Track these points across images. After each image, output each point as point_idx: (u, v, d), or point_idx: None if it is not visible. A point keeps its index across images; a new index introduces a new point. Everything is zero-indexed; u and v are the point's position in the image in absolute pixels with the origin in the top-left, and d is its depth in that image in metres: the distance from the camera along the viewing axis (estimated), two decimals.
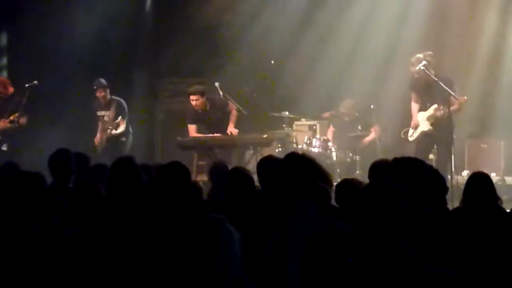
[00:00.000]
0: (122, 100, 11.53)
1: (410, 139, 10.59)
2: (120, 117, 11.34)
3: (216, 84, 10.94)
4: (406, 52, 11.77)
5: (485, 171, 6.41)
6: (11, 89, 11.63)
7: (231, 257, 3.32)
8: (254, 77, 11.97)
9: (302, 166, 4.71)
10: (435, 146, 10.60)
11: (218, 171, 6.74)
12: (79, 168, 6.57)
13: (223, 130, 10.96)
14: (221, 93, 10.91)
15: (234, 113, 11.07)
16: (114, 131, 11.31)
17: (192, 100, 10.87)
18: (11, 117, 11.23)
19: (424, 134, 10.35)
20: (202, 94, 10.90)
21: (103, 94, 11.55)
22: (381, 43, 12.69)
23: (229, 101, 11.04)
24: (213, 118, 11.02)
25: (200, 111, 10.98)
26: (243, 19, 12.72)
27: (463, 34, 12.37)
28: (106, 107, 11.58)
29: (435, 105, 10.18)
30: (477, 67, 12.17)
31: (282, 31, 12.98)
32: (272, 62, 11.31)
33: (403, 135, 10.77)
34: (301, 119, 12.93)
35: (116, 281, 4.03)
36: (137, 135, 11.92)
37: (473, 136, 12.52)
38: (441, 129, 10.18)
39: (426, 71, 10.03)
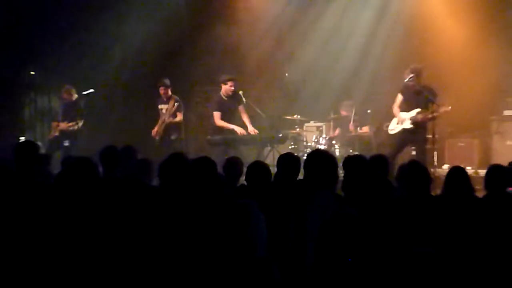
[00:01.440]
0: (178, 98, 11.67)
1: (391, 132, 10.67)
2: (178, 110, 11.51)
3: (240, 92, 10.89)
4: (396, 63, 11.92)
5: (462, 165, 6.46)
6: (75, 96, 11.82)
7: (260, 235, 3.36)
8: (273, 87, 12.02)
9: (324, 160, 4.68)
10: (411, 144, 10.65)
11: (231, 165, 6.52)
12: (126, 161, 6.48)
13: (236, 118, 10.96)
14: (244, 100, 10.93)
15: (246, 114, 11.01)
16: (172, 119, 11.47)
17: (231, 86, 10.83)
18: (72, 123, 11.47)
19: (404, 130, 10.40)
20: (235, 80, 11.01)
21: (164, 91, 11.70)
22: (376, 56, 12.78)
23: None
24: (231, 108, 10.97)
25: (224, 99, 10.91)
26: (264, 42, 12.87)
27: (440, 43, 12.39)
28: (166, 101, 11.69)
29: (418, 109, 10.26)
30: (455, 76, 12.18)
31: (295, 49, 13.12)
32: (286, 74, 11.34)
33: (385, 127, 10.85)
34: (310, 121, 12.96)
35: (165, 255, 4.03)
36: None
37: (452, 136, 12.58)
38: (419, 130, 10.29)
39: (413, 82, 10.13)
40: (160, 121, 11.66)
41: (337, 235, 3.06)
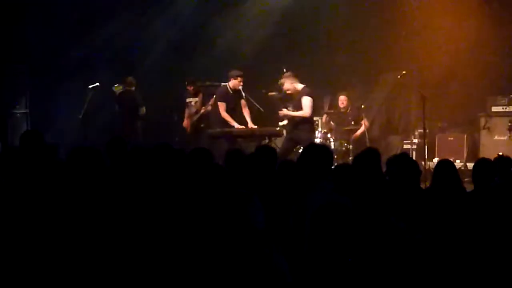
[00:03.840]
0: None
1: None
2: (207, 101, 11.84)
3: (240, 87, 11.03)
4: (390, 61, 12.01)
5: (451, 159, 6.53)
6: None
7: (258, 222, 3.38)
8: (269, 81, 12.05)
9: (321, 153, 4.72)
10: None
11: (232, 157, 6.39)
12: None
13: (237, 112, 11.04)
14: (243, 94, 11.01)
15: (247, 110, 11.11)
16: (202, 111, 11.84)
17: (240, 81, 10.88)
18: None
19: None
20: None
21: (191, 87, 12.12)
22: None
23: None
24: (235, 101, 11.02)
25: (230, 92, 10.94)
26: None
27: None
28: (194, 95, 12.11)
29: None
30: (447, 74, 12.27)
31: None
32: (284, 70, 11.37)
33: None
34: None
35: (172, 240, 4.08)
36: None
37: (442, 130, 12.70)
38: None
39: None
40: (187, 113, 12.12)
41: (326, 223, 3.11)
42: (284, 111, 10.62)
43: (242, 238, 3.29)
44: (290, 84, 10.54)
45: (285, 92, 10.77)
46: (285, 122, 10.92)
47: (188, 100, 12.23)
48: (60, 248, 4.01)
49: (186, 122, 12.18)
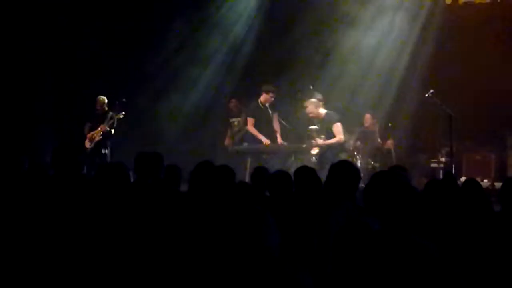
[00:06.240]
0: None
1: None
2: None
3: (270, 88, 11.03)
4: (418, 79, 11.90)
5: (479, 178, 6.40)
6: (105, 107, 11.77)
7: (272, 239, 3.24)
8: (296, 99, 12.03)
9: (347, 171, 4.64)
10: None
11: (258, 174, 6.35)
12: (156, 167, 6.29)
13: (268, 127, 11.03)
14: (270, 112, 11.03)
15: (278, 124, 11.15)
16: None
17: (272, 97, 10.94)
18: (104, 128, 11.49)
19: None
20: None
21: (234, 104, 12.15)
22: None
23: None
24: (265, 117, 11.06)
25: (261, 107, 10.98)
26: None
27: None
28: (238, 114, 11.99)
29: None
30: (474, 91, 12.13)
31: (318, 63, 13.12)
32: (311, 87, 11.33)
33: None
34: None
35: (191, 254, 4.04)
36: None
37: (469, 149, 12.52)
38: None
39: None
40: (229, 133, 12.00)
41: (348, 244, 3.06)
42: (319, 141, 10.55)
43: (253, 256, 3.21)
44: (314, 108, 10.53)
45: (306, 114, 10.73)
46: (316, 150, 10.79)
47: (231, 120, 12.13)
48: (88, 266, 4.02)
49: (228, 141, 11.99)
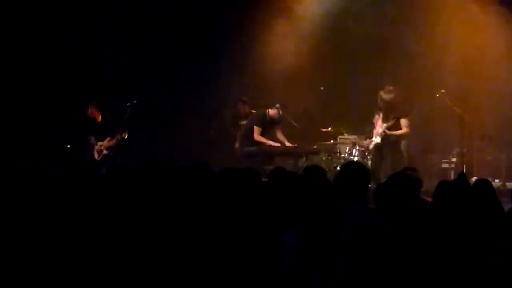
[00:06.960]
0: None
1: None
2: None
3: (277, 105, 11.03)
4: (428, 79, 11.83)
5: (490, 178, 6.36)
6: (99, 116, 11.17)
7: (290, 243, 3.38)
8: (308, 100, 11.98)
9: (357, 172, 4.60)
10: None
11: (276, 174, 6.24)
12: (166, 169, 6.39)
13: (274, 140, 11.09)
14: (280, 112, 11.01)
15: (281, 133, 11.21)
16: None
17: (279, 112, 11.03)
18: (116, 138, 10.95)
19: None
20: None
21: (243, 108, 12.06)
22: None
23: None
24: (270, 128, 11.14)
25: (268, 119, 11.05)
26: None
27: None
28: (246, 117, 11.92)
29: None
30: (484, 92, 12.03)
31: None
32: (322, 88, 11.31)
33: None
34: (344, 134, 12.89)
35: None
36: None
37: (480, 150, 12.43)
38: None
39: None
40: (238, 136, 11.81)
41: (362, 244, 3.03)
42: (388, 132, 10.75)
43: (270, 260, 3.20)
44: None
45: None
46: (378, 139, 10.82)
47: (240, 122, 12.07)
48: (100, 270, 4.03)
49: (238, 144, 11.81)
